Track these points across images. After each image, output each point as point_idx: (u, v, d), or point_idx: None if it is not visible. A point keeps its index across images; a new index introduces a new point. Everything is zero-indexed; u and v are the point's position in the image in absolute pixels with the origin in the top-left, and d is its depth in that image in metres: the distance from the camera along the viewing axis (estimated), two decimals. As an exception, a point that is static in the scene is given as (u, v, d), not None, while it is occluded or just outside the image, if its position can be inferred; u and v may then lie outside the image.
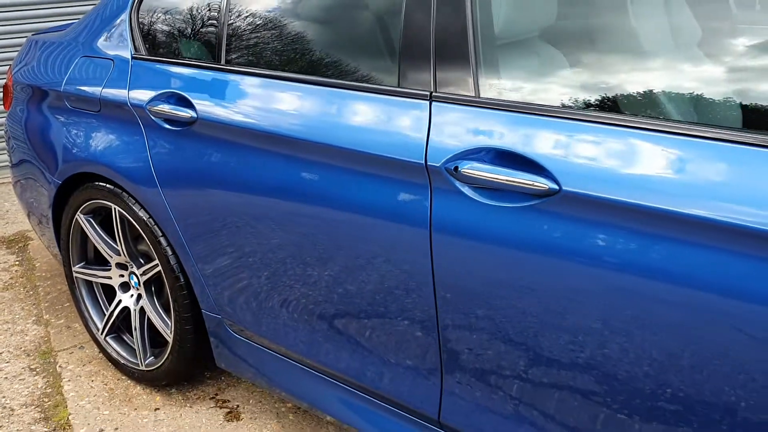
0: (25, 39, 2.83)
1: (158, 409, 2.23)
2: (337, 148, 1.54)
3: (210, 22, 1.94)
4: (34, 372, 2.45)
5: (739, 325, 1.10)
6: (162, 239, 2.04)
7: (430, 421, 1.62)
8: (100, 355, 2.50)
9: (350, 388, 1.77)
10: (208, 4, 1.94)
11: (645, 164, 1.17)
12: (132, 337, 2.33)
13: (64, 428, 2.15)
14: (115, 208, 2.16)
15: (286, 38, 1.77)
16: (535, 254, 1.29)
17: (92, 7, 3.63)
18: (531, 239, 1.29)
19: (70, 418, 2.20)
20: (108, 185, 2.14)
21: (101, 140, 2.13)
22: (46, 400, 2.30)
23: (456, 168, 1.35)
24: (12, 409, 2.24)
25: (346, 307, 1.65)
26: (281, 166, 1.66)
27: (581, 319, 1.26)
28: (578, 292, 1.25)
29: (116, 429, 2.15)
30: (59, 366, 2.47)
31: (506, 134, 1.32)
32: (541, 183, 1.25)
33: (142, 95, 1.98)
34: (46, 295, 2.99)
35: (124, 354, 2.35)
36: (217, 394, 2.29)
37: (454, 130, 1.39)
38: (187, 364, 2.17)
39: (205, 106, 1.82)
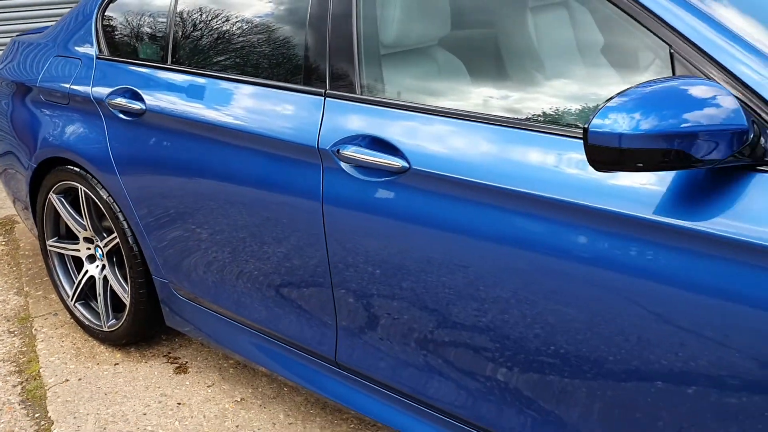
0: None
1: (117, 364, 2.56)
2: (254, 135, 1.87)
3: (159, 28, 2.28)
4: (12, 334, 2.78)
5: (563, 280, 1.43)
6: (119, 215, 2.38)
7: (329, 362, 1.95)
8: (71, 320, 2.82)
9: (268, 337, 2.11)
10: (159, 13, 2.27)
11: (473, 146, 1.50)
12: (97, 302, 2.66)
13: (35, 378, 2.48)
14: (81, 188, 2.49)
15: (220, 45, 2.11)
16: (395, 219, 1.62)
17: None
18: (391, 207, 1.62)
19: (40, 370, 2.53)
20: (75, 168, 2.47)
21: (70, 129, 2.46)
22: (21, 356, 2.63)
23: (338, 150, 1.69)
24: (-9, 362, 2.57)
25: (262, 268, 1.99)
26: (212, 150, 2.00)
27: (434, 270, 1.59)
28: (428, 249, 1.58)
29: (80, 379, 2.48)
30: (35, 329, 2.80)
31: (376, 124, 1.65)
32: (396, 162, 1.59)
33: (103, 90, 2.32)
34: (27, 270, 3.32)
35: (90, 318, 2.68)
36: (170, 353, 2.62)
37: (341, 120, 1.72)
38: (142, 324, 2.51)
39: (152, 99, 2.15)
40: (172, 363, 2.56)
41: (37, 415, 2.30)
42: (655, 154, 1.13)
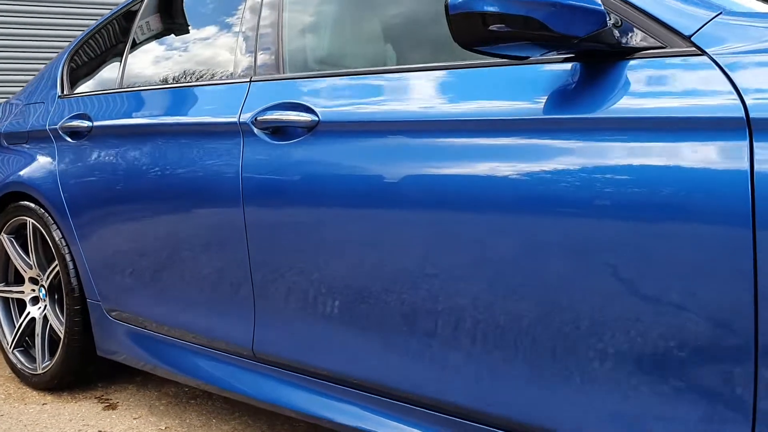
0: None
1: (45, 403, 2.45)
2: (186, 125, 1.96)
3: (114, 61, 2.44)
4: (-54, 386, 2.68)
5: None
6: (61, 241, 2.40)
7: (247, 355, 1.88)
8: (9, 375, 2.72)
9: (192, 344, 2.04)
10: (114, 49, 2.45)
11: (375, 96, 1.57)
12: (35, 349, 2.58)
13: (-44, 416, 2.37)
14: (29, 221, 2.53)
15: (166, 62, 2.26)
16: (310, 177, 1.65)
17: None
18: (306, 164, 1.66)
19: (-36, 410, 2.41)
20: (26, 202, 2.52)
21: (23, 164, 2.55)
22: (-51, 402, 2.52)
23: (256, 118, 1.75)
24: None
25: (188, 264, 1.97)
26: (148, 152, 2.07)
27: (352, 227, 1.58)
28: (343, 196, 1.58)
29: (1, 416, 2.36)
30: (-31, 382, 2.70)
31: (290, 93, 1.74)
32: (306, 116, 1.65)
33: (58, 119, 2.43)
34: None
35: (26, 363, 2.61)
36: (102, 396, 2.51)
37: (261, 96, 1.81)
38: (75, 359, 2.42)
39: (100, 117, 2.27)
40: (102, 402, 2.45)
41: (-53, 443, 2.17)
42: (515, 21, 1.18)
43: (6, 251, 2.67)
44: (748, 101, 1.09)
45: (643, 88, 1.21)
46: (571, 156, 1.25)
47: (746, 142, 1.08)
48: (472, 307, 1.39)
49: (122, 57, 2.41)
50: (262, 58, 1.87)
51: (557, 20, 1.19)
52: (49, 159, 2.44)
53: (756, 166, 1.07)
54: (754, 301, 1.08)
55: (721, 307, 1.11)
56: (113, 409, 2.38)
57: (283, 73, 1.82)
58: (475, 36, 1.22)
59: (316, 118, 1.64)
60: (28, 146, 2.58)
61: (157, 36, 2.41)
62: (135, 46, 2.40)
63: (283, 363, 1.80)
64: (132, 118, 2.16)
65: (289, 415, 1.85)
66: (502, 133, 1.35)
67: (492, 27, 1.19)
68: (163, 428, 2.21)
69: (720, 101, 1.12)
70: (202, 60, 2.14)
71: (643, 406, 1.22)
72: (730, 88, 1.12)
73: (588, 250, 1.23)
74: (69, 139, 2.36)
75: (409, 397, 1.54)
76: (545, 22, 1.19)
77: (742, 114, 1.09)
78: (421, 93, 1.52)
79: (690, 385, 1.16)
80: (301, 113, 1.67)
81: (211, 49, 2.13)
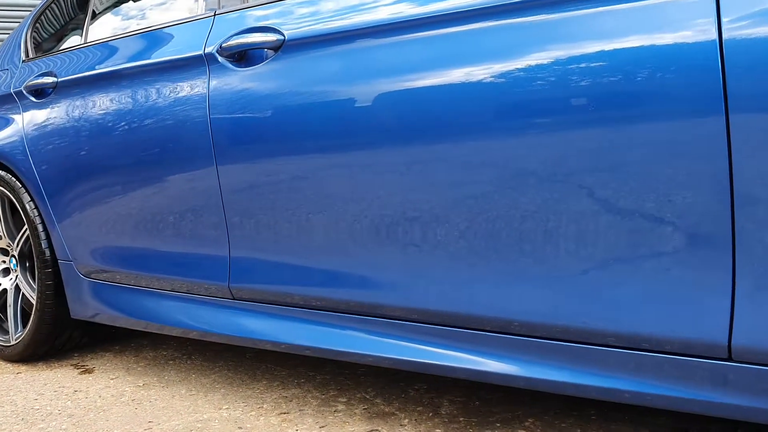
0: None
1: (20, 372, 2.39)
2: (152, 66, 1.93)
3: (77, 20, 2.40)
4: None
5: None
6: (29, 204, 2.34)
7: (223, 293, 1.84)
8: (-18, 351, 2.66)
9: (168, 291, 2.00)
10: (78, 8, 2.41)
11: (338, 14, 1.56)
12: (7, 321, 2.52)
13: (-73, 388, 2.29)
14: (-4, 189, 2.47)
15: (131, 14, 2.22)
16: (277, 101, 1.62)
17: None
18: (275, 84, 1.63)
19: (-66, 383, 2.34)
20: (-7, 170, 2.47)
21: (-10, 131, 2.50)
22: None
23: (221, 46, 1.73)
24: None
25: (158, 205, 1.93)
26: (114, 99, 2.03)
27: (323, 143, 1.56)
28: (312, 115, 1.56)
29: (-26, 385, 2.29)
30: (-59, 361, 2.63)
31: (254, 19, 1.71)
32: (272, 36, 1.63)
33: (23, 81, 2.39)
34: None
35: (-1, 336, 2.54)
36: (78, 363, 2.45)
37: (225, 26, 1.78)
38: (48, 326, 2.36)
39: (64, 72, 2.22)
40: (78, 368, 2.39)
41: None
42: None
43: (-26, 224, 2.61)
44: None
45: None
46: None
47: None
48: (450, 217, 1.37)
49: (85, 16, 2.37)
50: (226, -4, 1.85)
51: None
52: (14, 122, 2.39)
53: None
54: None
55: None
56: (89, 373, 2.32)
57: (248, 2, 1.79)
58: None
59: (282, 37, 1.62)
60: (-8, 114, 2.53)
61: (120, -9, 2.38)
62: (99, 4, 2.37)
63: (259, 296, 1.76)
64: (97, 68, 2.12)
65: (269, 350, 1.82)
66: (468, 20, 1.33)
67: None
68: (141, 385, 2.16)
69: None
70: (167, 5, 2.11)
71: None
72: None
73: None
74: (34, 99, 2.32)
75: (406, 314, 1.52)
76: None
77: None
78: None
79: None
80: (267, 34, 1.65)
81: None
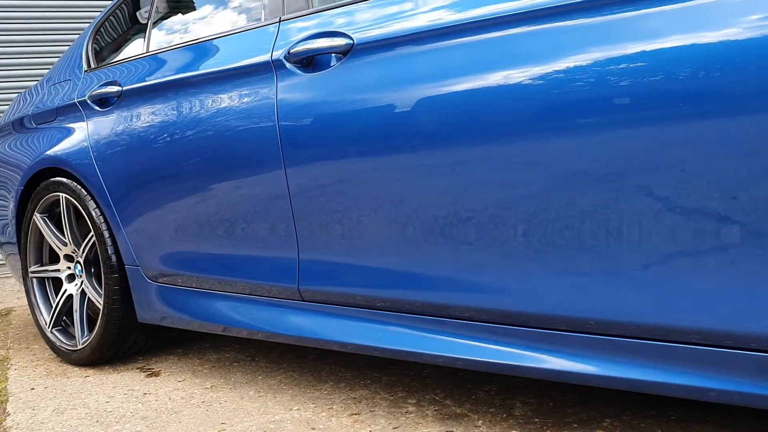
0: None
1: (88, 376, 2.43)
2: (218, 72, 1.96)
3: (139, 29, 2.44)
4: (-13, 371, 2.68)
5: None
6: (95, 210, 2.39)
7: (293, 295, 1.85)
8: (49, 356, 2.72)
9: (236, 294, 2.02)
10: (140, 14, 2.46)
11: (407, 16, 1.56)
12: (73, 327, 2.57)
13: (0, 392, 2.35)
14: (62, 196, 2.53)
15: (191, 23, 2.25)
16: (347, 101, 1.63)
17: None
18: (343, 89, 1.64)
19: (7, 386, 2.40)
20: (58, 178, 2.52)
21: (55, 140, 2.56)
22: (-9, 382, 2.51)
23: (288, 52, 1.75)
24: (-42, 387, 2.45)
25: (228, 209, 1.96)
26: (180, 106, 2.06)
27: (394, 143, 1.56)
28: (383, 117, 1.56)
29: (45, 387, 2.34)
30: (10, 365, 2.69)
31: (321, 24, 1.73)
32: (340, 40, 1.64)
33: (86, 92, 2.44)
34: (15, 335, 3.26)
35: (65, 341, 2.59)
36: (144, 366, 2.49)
37: (292, 32, 1.80)
38: (115, 329, 2.41)
39: (129, 81, 2.26)
40: (144, 371, 2.43)
41: (-6, 413, 2.15)
42: None
43: (40, 231, 2.67)
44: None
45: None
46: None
47: None
48: (536, 231, 1.36)
49: (146, 26, 2.42)
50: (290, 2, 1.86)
51: None
52: (79, 130, 2.44)
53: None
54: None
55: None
56: (156, 376, 2.36)
57: (311, 5, 1.81)
58: None
59: (351, 41, 1.63)
60: (56, 123, 2.59)
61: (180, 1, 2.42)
62: (159, 13, 2.41)
63: (328, 297, 1.77)
64: (162, 77, 2.15)
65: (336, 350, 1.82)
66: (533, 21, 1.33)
67: None
68: (209, 386, 2.18)
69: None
70: (229, 13, 2.14)
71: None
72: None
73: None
74: (98, 108, 2.36)
75: (476, 314, 1.52)
76: None
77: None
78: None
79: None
80: (335, 38, 1.66)
81: (237, 1, 2.13)
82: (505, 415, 1.74)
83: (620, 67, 1.21)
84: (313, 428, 1.77)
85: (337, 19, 1.71)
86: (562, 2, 1.30)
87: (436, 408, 1.83)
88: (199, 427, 1.85)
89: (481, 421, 1.72)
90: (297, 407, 1.93)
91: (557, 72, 1.29)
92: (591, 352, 1.38)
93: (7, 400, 2.24)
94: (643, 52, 1.19)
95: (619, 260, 1.28)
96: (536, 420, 1.70)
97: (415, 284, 1.60)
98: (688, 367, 1.27)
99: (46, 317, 2.68)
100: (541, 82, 1.31)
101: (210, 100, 1.96)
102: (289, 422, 1.82)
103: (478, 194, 1.42)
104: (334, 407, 1.90)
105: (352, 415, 1.84)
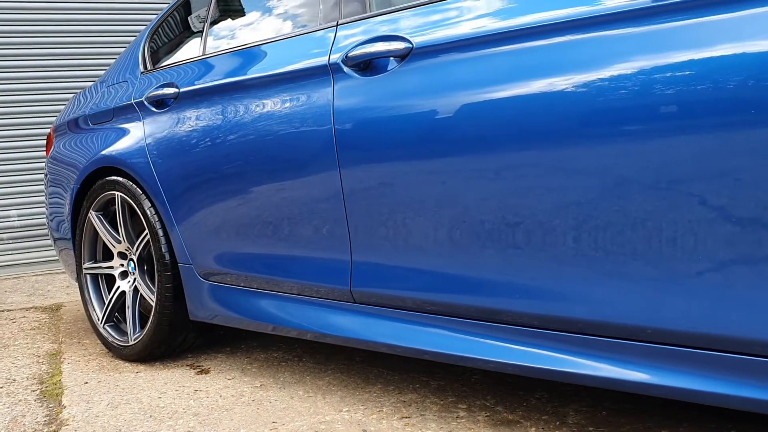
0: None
1: (139, 372, 2.48)
2: (273, 76, 1.98)
3: (196, 31, 2.48)
4: (42, 363, 2.74)
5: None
6: (150, 209, 2.44)
7: (345, 297, 1.86)
8: (100, 351, 2.78)
9: (287, 294, 2.04)
10: (195, 20, 2.50)
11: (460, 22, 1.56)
12: (125, 324, 2.63)
13: (55, 384, 2.41)
14: (117, 195, 2.58)
15: (245, 27, 2.29)
16: (403, 110, 1.64)
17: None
18: (401, 93, 1.65)
19: (61, 380, 2.46)
20: (114, 177, 2.58)
21: (111, 139, 2.62)
22: (45, 375, 2.57)
23: (346, 55, 1.76)
24: (14, 379, 2.52)
25: (280, 210, 1.98)
26: (236, 108, 2.09)
27: (450, 150, 1.56)
28: (452, 127, 1.56)
29: (99, 382, 2.39)
30: (63, 359, 2.76)
31: (379, 28, 1.74)
32: (399, 44, 1.65)
33: (144, 92, 2.49)
34: (66, 330, 3.33)
35: (118, 337, 2.65)
36: (194, 363, 2.53)
37: (349, 35, 1.81)
38: (166, 327, 2.45)
39: (185, 83, 2.31)
40: (194, 369, 2.47)
41: (50, 405, 2.21)
42: None
43: (95, 228, 2.73)
44: None
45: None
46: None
47: None
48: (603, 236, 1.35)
49: (203, 28, 2.46)
50: (347, 1, 1.88)
51: None
52: (135, 131, 2.49)
53: None
54: None
55: None
56: (206, 373, 2.39)
57: (369, 8, 1.82)
58: None
59: (410, 45, 1.63)
60: (113, 123, 2.64)
61: (236, 3, 2.45)
62: (214, 15, 2.44)
63: (381, 299, 1.78)
64: (219, 79, 2.19)
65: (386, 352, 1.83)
66: (606, 26, 1.32)
67: None
68: (258, 385, 2.21)
69: None
70: (285, 17, 2.16)
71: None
72: None
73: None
74: (155, 109, 2.41)
75: (528, 320, 1.51)
76: None
77: None
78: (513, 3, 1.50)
79: None
80: (393, 42, 1.67)
81: (294, 3, 2.15)
82: (558, 423, 1.73)
83: (666, 75, 1.20)
84: (364, 430, 1.78)
85: (395, 23, 1.72)
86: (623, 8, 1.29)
87: (488, 414, 1.83)
88: (251, 425, 1.87)
89: (533, 429, 1.71)
90: (347, 408, 1.93)
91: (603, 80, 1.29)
92: (647, 361, 1.36)
93: (62, 393, 2.29)
94: (691, 61, 1.19)
95: (669, 268, 1.26)
96: (590, 428, 1.68)
97: (465, 288, 1.60)
98: (747, 378, 1.24)
99: (99, 313, 2.74)
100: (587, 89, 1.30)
101: (266, 103, 1.99)
102: (339, 423, 1.83)
103: (531, 200, 1.42)
104: (384, 410, 1.91)
105: (402, 418, 1.84)
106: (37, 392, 2.33)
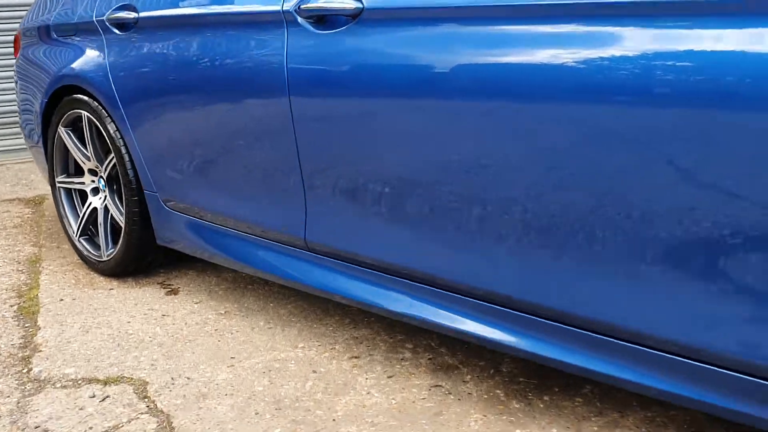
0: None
1: (112, 289, 2.59)
2: (229, 15, 1.94)
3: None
4: (21, 272, 2.85)
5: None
6: (116, 133, 2.44)
7: (300, 245, 1.93)
8: (77, 261, 2.87)
9: (247, 233, 2.10)
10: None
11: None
12: (99, 237, 2.70)
13: (32, 300, 2.52)
14: (84, 114, 2.58)
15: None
16: (354, 68, 1.62)
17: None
18: (349, 55, 1.63)
19: (38, 294, 2.57)
20: (79, 96, 2.56)
21: (75, 57, 2.57)
22: (24, 286, 2.68)
23: (299, 6, 1.71)
24: (-7, 291, 2.63)
25: (237, 154, 2.00)
26: (193, 44, 2.05)
27: (397, 119, 1.56)
28: (389, 86, 1.56)
29: (73, 299, 2.50)
30: (42, 268, 2.86)
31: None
32: (351, 3, 1.60)
33: (105, 10, 2.42)
34: (47, 230, 3.42)
35: (92, 250, 2.73)
36: (164, 281, 2.64)
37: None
38: (136, 247, 2.53)
39: (146, 5, 2.24)
40: (164, 287, 2.57)
41: (26, 325, 2.32)
42: None
43: (65, 144, 2.75)
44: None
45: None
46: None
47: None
48: (524, 198, 1.39)
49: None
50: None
51: None
52: (98, 52, 2.45)
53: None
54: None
55: None
56: (175, 294, 2.50)
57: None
58: None
59: (361, 5, 1.60)
60: (77, 38, 2.59)
61: None
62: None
63: (335, 253, 1.84)
64: (178, 7, 2.12)
65: (339, 302, 1.92)
66: (558, 19, 1.29)
67: None
68: (223, 312, 2.32)
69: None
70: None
71: (692, 300, 1.22)
72: None
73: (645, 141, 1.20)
74: (117, 31, 2.36)
75: (459, 287, 1.58)
76: None
77: None
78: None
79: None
80: (345, 1, 1.62)
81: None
82: (492, 371, 1.85)
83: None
84: (314, 371, 1.90)
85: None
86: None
87: (430, 356, 1.95)
88: (210, 360, 1.99)
89: (469, 376, 1.83)
90: (302, 345, 2.05)
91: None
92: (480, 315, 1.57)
93: (38, 312, 2.41)
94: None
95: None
96: (521, 379, 1.80)
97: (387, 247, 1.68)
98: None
99: (74, 226, 2.81)
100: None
101: (224, 43, 1.96)
102: (293, 362, 1.95)
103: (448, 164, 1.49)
104: (337, 347, 2.03)
105: (351, 358, 1.96)
106: (15, 308, 2.45)
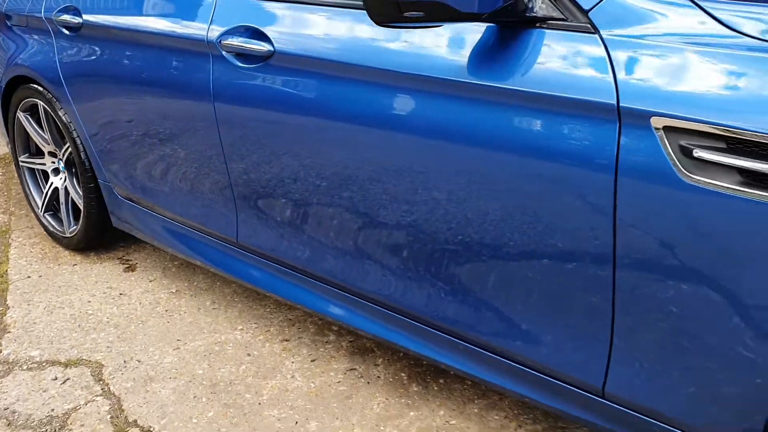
0: None
1: (76, 264, 2.83)
2: (160, 35, 2.10)
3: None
4: (-8, 243, 3.08)
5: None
6: (70, 125, 2.63)
7: (233, 243, 2.17)
8: (44, 232, 3.10)
9: (190, 228, 2.34)
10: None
11: (323, 30, 1.69)
12: (61, 212, 2.93)
13: (2, 276, 2.77)
14: (40, 104, 2.75)
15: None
16: (266, 102, 1.82)
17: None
18: (262, 90, 1.82)
19: (8, 270, 2.81)
20: (34, 85, 2.72)
21: (28, 49, 2.72)
22: (-5, 260, 2.92)
23: (220, 42, 1.89)
24: (-33, 265, 2.87)
25: (172, 158, 2.21)
26: (132, 55, 2.22)
27: (305, 150, 1.78)
28: (297, 129, 1.77)
29: (40, 276, 2.75)
30: (11, 239, 3.09)
31: (253, 17, 1.85)
32: (264, 46, 1.78)
33: (51, 9, 2.56)
34: (16, 195, 3.62)
35: (56, 226, 2.96)
36: (123, 256, 2.88)
37: (226, 17, 1.92)
38: (95, 227, 2.76)
39: (88, 13, 2.39)
40: (123, 263, 2.82)
41: (-3, 303, 2.58)
42: (428, 7, 1.29)
43: (24, 128, 2.93)
44: (621, 87, 1.23)
45: (541, 60, 1.34)
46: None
47: (615, 130, 1.24)
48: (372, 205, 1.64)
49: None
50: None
51: (464, 3, 1.30)
52: (49, 48, 2.60)
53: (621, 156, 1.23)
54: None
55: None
56: (132, 270, 2.76)
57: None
58: (390, 18, 1.34)
59: (272, 49, 1.78)
60: (28, 30, 2.73)
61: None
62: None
63: (262, 254, 2.09)
64: (116, 15, 2.27)
65: (268, 296, 2.18)
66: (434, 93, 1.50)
67: (406, 14, 1.31)
68: (174, 291, 2.58)
69: (598, 85, 1.25)
70: None
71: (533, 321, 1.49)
72: (610, 73, 1.24)
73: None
74: (65, 30, 2.50)
75: (369, 296, 1.84)
76: (454, 6, 1.30)
77: (614, 101, 1.23)
78: (378, 36, 1.63)
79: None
80: (259, 43, 1.80)
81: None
82: (401, 354, 2.14)
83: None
84: (248, 354, 2.18)
85: (264, 14, 1.83)
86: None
87: (351, 339, 2.23)
88: (159, 342, 2.27)
89: (381, 359, 2.12)
90: (241, 327, 2.33)
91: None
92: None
93: (7, 290, 2.66)
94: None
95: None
96: (424, 363, 2.10)
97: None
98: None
99: (39, 202, 3.03)
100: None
101: (158, 60, 2.13)
102: (231, 345, 2.23)
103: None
104: (272, 329, 2.31)
105: (283, 341, 2.24)
106: (-13, 285, 2.70)
